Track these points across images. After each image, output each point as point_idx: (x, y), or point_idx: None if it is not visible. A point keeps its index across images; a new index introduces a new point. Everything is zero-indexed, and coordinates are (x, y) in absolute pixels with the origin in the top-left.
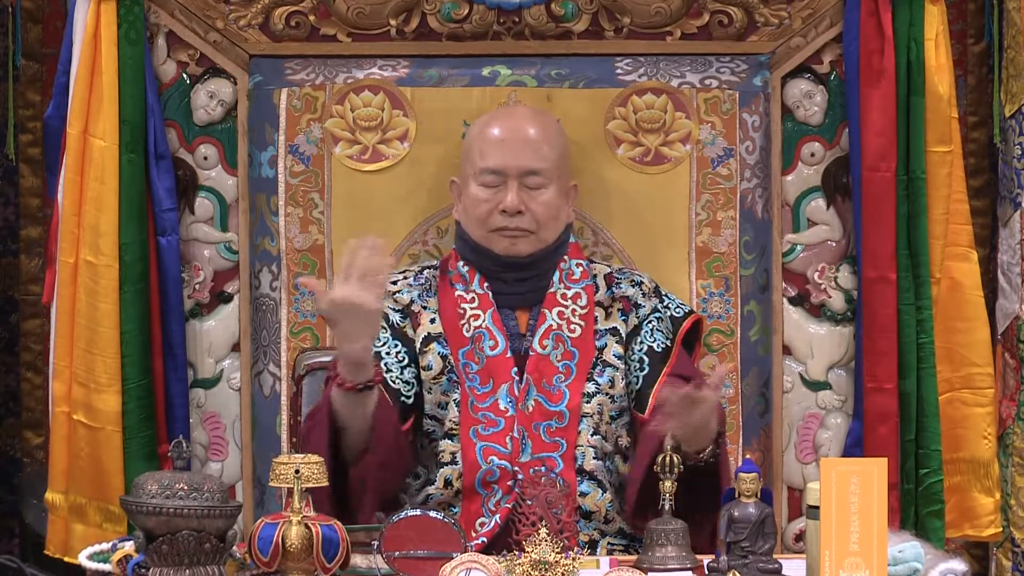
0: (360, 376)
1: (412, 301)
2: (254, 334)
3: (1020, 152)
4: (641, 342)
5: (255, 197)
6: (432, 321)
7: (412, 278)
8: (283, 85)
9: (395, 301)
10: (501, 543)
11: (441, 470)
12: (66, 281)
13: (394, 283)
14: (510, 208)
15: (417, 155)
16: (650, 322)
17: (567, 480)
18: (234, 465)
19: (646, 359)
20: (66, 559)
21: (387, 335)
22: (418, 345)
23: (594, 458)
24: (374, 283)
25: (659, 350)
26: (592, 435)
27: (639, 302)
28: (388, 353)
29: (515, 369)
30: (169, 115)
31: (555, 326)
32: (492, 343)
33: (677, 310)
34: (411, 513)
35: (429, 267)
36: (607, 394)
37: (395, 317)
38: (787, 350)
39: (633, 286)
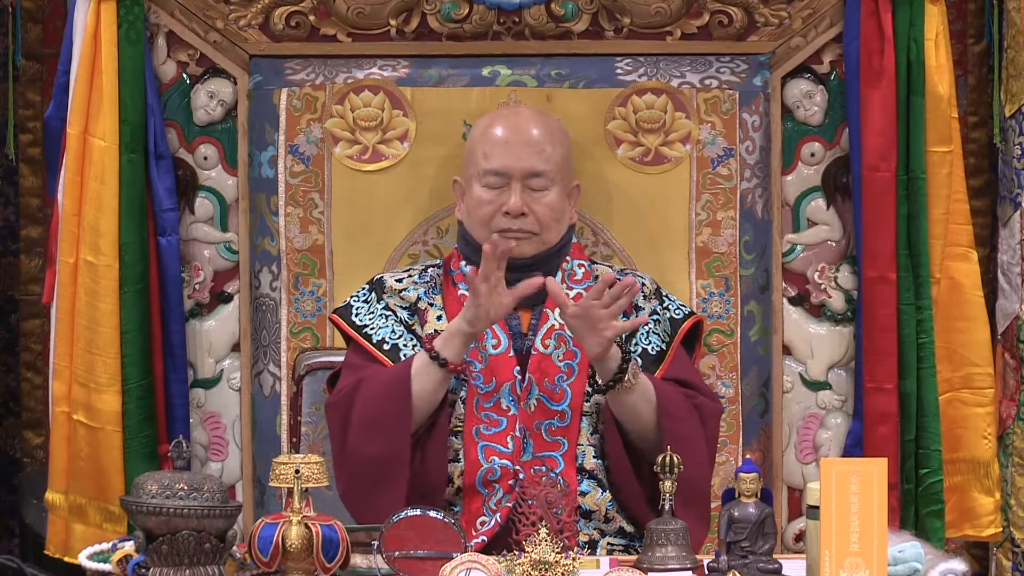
0: (461, 356)
1: (419, 298)
2: (254, 334)
3: (1020, 152)
4: (636, 344)
5: (255, 197)
6: (439, 319)
7: (417, 276)
8: (283, 85)
9: (402, 299)
10: (501, 543)
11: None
12: (66, 281)
13: (399, 281)
14: (514, 210)
15: (417, 155)
16: (647, 324)
17: (568, 480)
18: (234, 465)
19: (639, 361)
20: (66, 559)
21: (402, 329)
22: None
23: (594, 457)
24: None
25: (653, 352)
26: (591, 434)
27: (639, 304)
28: (405, 345)
29: (517, 368)
30: (169, 115)
31: (557, 326)
32: (495, 342)
33: (677, 312)
34: (411, 513)
35: (432, 266)
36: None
37: (403, 314)
38: (787, 350)
39: None
